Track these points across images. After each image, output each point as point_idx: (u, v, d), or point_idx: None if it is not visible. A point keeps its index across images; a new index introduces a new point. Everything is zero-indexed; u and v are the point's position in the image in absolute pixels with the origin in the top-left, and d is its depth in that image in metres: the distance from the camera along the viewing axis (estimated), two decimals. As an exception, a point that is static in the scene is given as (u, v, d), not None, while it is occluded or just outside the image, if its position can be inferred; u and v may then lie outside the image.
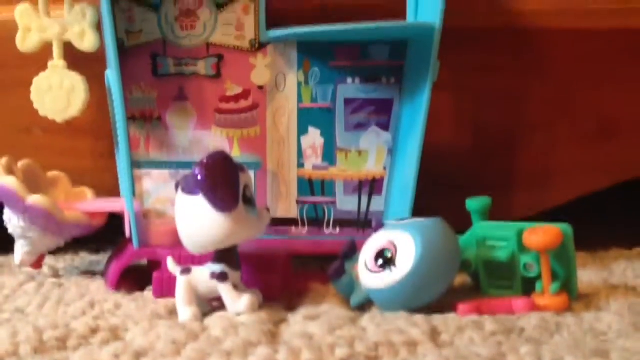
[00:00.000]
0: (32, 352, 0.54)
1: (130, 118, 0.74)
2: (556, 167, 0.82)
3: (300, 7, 0.77)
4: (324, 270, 0.68)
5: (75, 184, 0.77)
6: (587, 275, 0.74)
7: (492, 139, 0.82)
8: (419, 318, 0.59)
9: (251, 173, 0.74)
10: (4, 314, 0.64)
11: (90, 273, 0.77)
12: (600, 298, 0.66)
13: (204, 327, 0.58)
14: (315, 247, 0.75)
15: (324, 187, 0.76)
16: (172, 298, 0.64)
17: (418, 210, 0.71)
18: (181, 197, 0.62)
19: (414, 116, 0.73)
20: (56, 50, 0.76)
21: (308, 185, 0.76)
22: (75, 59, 0.77)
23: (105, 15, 0.69)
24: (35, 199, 0.70)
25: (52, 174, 0.77)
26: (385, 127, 0.75)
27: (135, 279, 0.71)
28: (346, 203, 0.76)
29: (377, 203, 0.76)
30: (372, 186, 0.76)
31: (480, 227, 0.67)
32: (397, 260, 0.61)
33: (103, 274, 0.75)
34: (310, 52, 0.74)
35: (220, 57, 0.74)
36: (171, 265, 0.64)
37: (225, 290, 0.62)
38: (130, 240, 0.72)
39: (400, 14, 0.76)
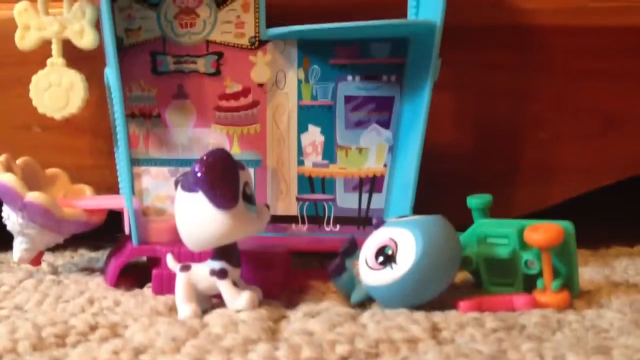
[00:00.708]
0: (31, 349, 0.54)
1: (130, 116, 0.74)
2: (558, 165, 0.82)
3: (301, 4, 0.77)
4: (324, 268, 0.68)
5: (75, 181, 0.77)
6: (589, 272, 0.74)
7: (493, 137, 0.81)
8: (420, 315, 0.59)
9: (251, 171, 0.74)
10: (2, 311, 0.63)
11: (89, 270, 0.77)
12: (602, 295, 0.65)
13: (203, 324, 0.58)
14: (315, 245, 0.75)
15: (324, 184, 0.76)
16: (171, 295, 0.64)
17: (419, 208, 0.70)
18: (181, 195, 0.62)
19: (415, 114, 0.72)
20: (55, 48, 0.76)
21: (308, 183, 0.76)
22: (74, 56, 0.76)
23: (104, 13, 0.69)
24: (33, 196, 0.70)
25: (50, 171, 0.77)
26: (385, 124, 0.75)
27: (135, 276, 0.71)
28: (346, 200, 0.76)
29: (378, 201, 0.76)
30: (373, 184, 0.76)
31: (481, 225, 0.67)
32: (398, 258, 0.61)
33: (102, 271, 0.75)
34: (311, 49, 0.74)
35: (220, 55, 0.74)
36: (171, 262, 0.64)
37: (224, 287, 0.62)
38: (129, 237, 0.71)
39: (401, 10, 0.75)
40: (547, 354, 0.51)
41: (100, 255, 0.83)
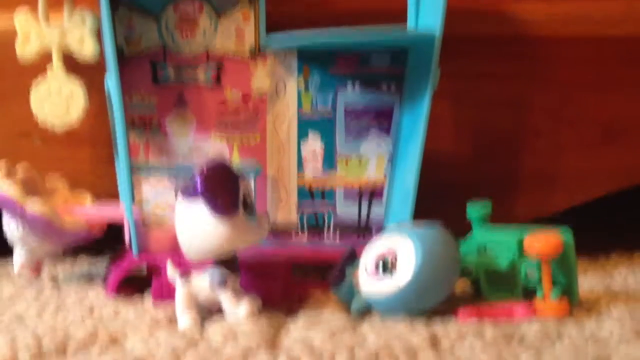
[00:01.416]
0: (31, 359, 0.54)
1: (130, 124, 0.74)
2: (558, 174, 0.82)
3: (301, 15, 0.77)
4: (323, 277, 0.68)
5: (75, 190, 0.77)
6: (588, 281, 0.74)
7: (493, 146, 0.82)
8: (419, 324, 0.59)
9: (251, 179, 0.74)
10: (2, 320, 0.64)
11: (89, 279, 0.77)
12: (601, 304, 0.65)
13: (203, 334, 0.58)
14: (315, 254, 0.75)
15: (324, 193, 0.76)
16: (171, 303, 0.64)
17: (418, 216, 0.71)
18: (181, 203, 0.62)
19: (415, 123, 0.72)
20: (55, 57, 0.76)
21: (308, 192, 0.76)
22: (74, 66, 0.76)
23: (105, 22, 0.69)
24: (34, 207, 0.70)
25: (50, 178, 0.77)
26: (385, 134, 0.75)
27: (135, 285, 0.71)
28: (346, 210, 0.76)
29: (378, 210, 0.76)
30: (373, 193, 0.76)
31: (481, 234, 0.67)
32: (398, 267, 0.61)
33: (102, 280, 0.75)
34: (311, 59, 0.74)
35: (220, 64, 0.74)
36: (170, 271, 0.64)
37: (224, 297, 0.62)
38: (129, 246, 0.71)
39: (401, 18, 0.75)
40: (546, 364, 0.51)
41: (100, 264, 0.83)
